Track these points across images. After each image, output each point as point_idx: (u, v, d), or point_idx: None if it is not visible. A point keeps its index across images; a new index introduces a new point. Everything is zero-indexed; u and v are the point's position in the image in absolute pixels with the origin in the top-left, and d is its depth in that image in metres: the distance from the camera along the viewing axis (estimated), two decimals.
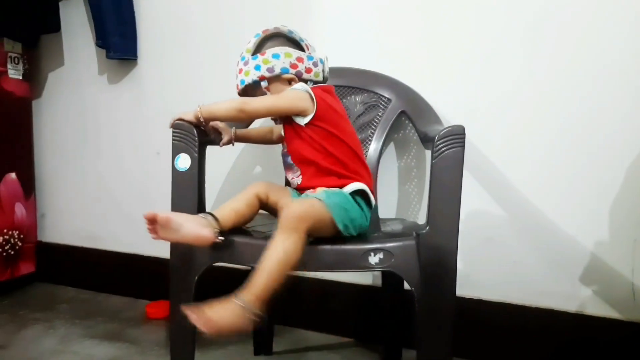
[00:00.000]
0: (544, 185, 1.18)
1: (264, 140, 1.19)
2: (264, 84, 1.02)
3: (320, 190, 0.93)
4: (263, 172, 1.48)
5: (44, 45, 1.77)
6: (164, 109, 1.60)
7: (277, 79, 1.02)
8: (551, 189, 1.18)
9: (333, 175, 0.96)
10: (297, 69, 1.02)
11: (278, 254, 0.78)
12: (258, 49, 1.04)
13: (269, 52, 1.02)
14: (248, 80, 1.02)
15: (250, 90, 1.04)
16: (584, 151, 1.14)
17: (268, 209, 1.01)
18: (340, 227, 0.87)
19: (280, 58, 1.01)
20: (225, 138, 1.09)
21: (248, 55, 1.03)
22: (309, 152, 0.97)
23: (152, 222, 0.83)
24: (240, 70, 1.03)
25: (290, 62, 1.01)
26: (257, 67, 1.01)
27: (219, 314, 0.76)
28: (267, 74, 1.01)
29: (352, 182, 0.96)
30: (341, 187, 0.95)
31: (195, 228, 0.84)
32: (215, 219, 0.89)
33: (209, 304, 0.77)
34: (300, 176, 1.00)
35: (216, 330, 0.75)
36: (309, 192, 0.97)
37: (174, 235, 0.84)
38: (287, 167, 1.04)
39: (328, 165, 0.96)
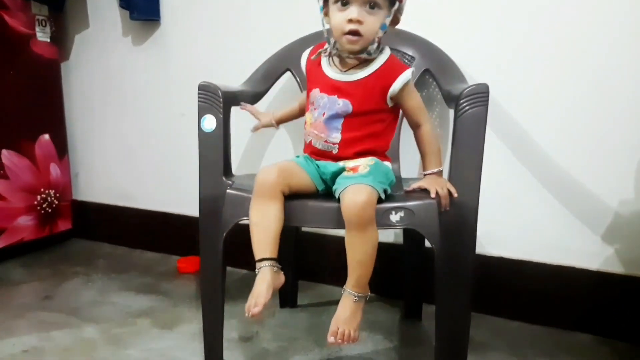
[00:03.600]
0: (568, 143, 1.17)
1: (298, 115, 1.15)
2: (395, 6, 0.89)
3: (363, 167, 0.90)
4: (285, 133, 1.50)
5: (70, 8, 1.78)
6: (188, 70, 1.62)
7: (396, 13, 0.91)
8: (575, 147, 1.16)
9: (372, 145, 0.96)
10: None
11: (369, 249, 0.85)
12: None
13: None
14: None
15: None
16: (610, 109, 1.12)
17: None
18: (382, 196, 0.88)
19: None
20: (264, 120, 1.11)
21: None
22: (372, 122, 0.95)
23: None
24: None
25: None
26: None
27: (352, 321, 0.86)
28: (403, 1, 0.91)
29: (383, 150, 0.98)
30: (377, 155, 0.96)
31: (275, 284, 0.89)
32: (276, 259, 0.90)
33: (337, 318, 0.86)
34: (339, 136, 0.94)
35: (358, 335, 0.87)
36: (348, 163, 0.94)
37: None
38: (327, 126, 0.95)
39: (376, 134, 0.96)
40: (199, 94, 1.01)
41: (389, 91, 0.92)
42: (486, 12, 1.20)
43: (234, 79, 1.21)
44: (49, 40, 1.74)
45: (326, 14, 0.94)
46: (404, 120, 1.20)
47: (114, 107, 1.81)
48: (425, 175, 0.93)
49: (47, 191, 1.78)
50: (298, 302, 1.36)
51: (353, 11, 0.87)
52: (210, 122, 1.00)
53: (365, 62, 0.94)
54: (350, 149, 0.94)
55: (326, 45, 0.98)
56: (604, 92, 1.12)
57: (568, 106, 1.15)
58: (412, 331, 1.22)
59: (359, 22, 0.87)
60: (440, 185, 0.88)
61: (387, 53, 0.96)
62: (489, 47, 1.21)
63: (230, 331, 1.18)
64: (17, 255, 1.70)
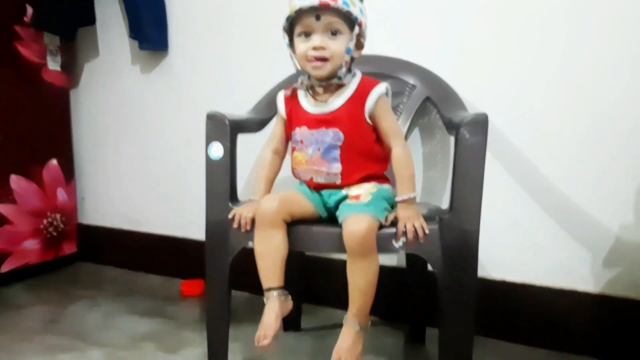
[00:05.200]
0: (568, 168, 1.19)
1: (279, 170, 1.09)
2: (356, 30, 0.91)
3: (365, 195, 0.92)
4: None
5: (80, 38, 1.84)
6: (194, 98, 1.66)
7: (358, 38, 0.93)
8: (576, 172, 1.18)
9: (374, 168, 0.97)
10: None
11: (370, 278, 0.87)
12: None
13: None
14: (354, 11, 0.89)
15: (333, 16, 0.89)
16: (609, 134, 1.14)
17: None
18: (383, 221, 0.90)
19: (368, 23, 0.96)
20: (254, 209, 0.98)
21: None
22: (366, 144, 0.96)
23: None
24: None
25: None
26: (362, 11, 0.92)
27: (354, 350, 0.88)
28: (363, 26, 0.93)
29: (384, 172, 0.99)
30: (379, 179, 0.98)
31: (284, 312, 0.92)
32: (283, 288, 0.93)
33: (338, 347, 0.88)
34: (340, 167, 0.94)
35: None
36: (351, 191, 0.95)
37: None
38: (325, 159, 0.95)
39: (374, 155, 0.97)
40: (206, 123, 1.05)
41: (365, 108, 0.94)
42: (487, 42, 1.24)
43: (239, 107, 1.25)
44: (59, 69, 1.79)
45: (294, 51, 0.95)
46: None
47: (120, 133, 1.84)
48: (398, 202, 0.93)
49: (53, 215, 1.81)
50: (302, 325, 1.36)
51: (316, 39, 0.90)
52: (217, 150, 1.03)
53: (339, 90, 0.96)
54: (354, 176, 0.95)
55: (300, 79, 1.00)
56: (605, 120, 1.14)
57: (569, 133, 1.18)
58: (416, 355, 1.23)
59: (322, 48, 0.90)
60: (411, 220, 0.88)
61: (358, 77, 0.98)
62: (491, 75, 1.24)
63: (235, 354, 1.18)
64: (22, 278, 1.71)
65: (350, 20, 0.91)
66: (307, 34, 0.92)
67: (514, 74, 1.22)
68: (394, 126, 0.96)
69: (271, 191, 1.05)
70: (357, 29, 0.91)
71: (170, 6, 1.65)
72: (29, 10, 1.66)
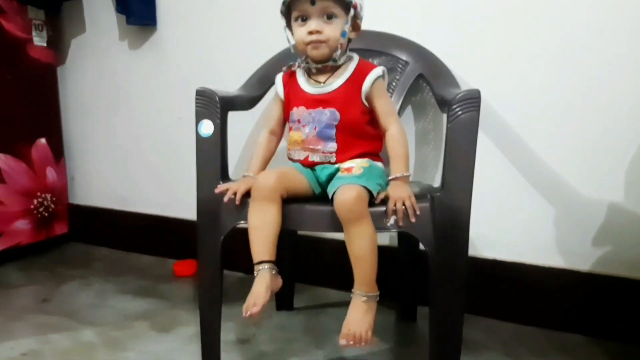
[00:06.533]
0: (560, 147, 1.19)
1: (275, 150, 1.10)
2: (351, 13, 0.92)
3: (357, 168, 0.93)
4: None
5: (66, 12, 1.79)
6: (184, 74, 1.63)
7: (354, 20, 0.95)
8: (567, 151, 1.18)
9: (368, 147, 0.98)
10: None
11: (366, 243, 0.86)
12: None
13: None
14: None
15: (327, 1, 0.91)
16: (600, 113, 1.14)
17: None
18: (375, 194, 0.90)
19: (364, 5, 0.98)
20: (247, 185, 0.96)
21: None
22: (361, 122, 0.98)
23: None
24: None
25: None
26: None
27: (363, 322, 0.87)
28: (358, 7, 0.94)
29: (378, 151, 0.99)
30: (372, 156, 0.98)
31: (273, 287, 0.90)
32: (274, 262, 0.91)
33: (347, 320, 0.87)
34: (335, 145, 0.96)
35: (371, 335, 0.87)
36: (343, 165, 0.96)
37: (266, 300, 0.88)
38: (321, 137, 0.97)
39: (369, 135, 0.98)
40: (196, 99, 1.03)
41: (362, 90, 0.96)
42: (479, 17, 1.22)
43: (230, 84, 1.23)
44: (45, 45, 1.75)
45: (292, 34, 0.97)
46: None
47: (110, 111, 1.81)
48: (390, 180, 0.94)
49: (43, 195, 1.79)
50: (295, 304, 1.37)
51: (312, 23, 0.93)
52: (207, 127, 1.02)
53: (337, 72, 0.98)
54: (348, 154, 0.97)
55: (298, 61, 1.02)
56: (596, 97, 1.14)
57: (560, 110, 1.17)
58: (407, 332, 1.24)
59: (318, 32, 0.92)
60: (401, 198, 0.88)
61: (355, 59, 1.01)
62: (483, 52, 1.23)
63: (228, 333, 1.19)
64: (14, 258, 1.70)
65: (346, 3, 0.92)
66: (304, 18, 0.94)
67: (507, 51, 1.21)
68: (389, 107, 0.99)
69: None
70: (352, 11, 0.93)
71: None
72: None
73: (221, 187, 0.98)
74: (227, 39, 1.54)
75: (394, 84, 1.22)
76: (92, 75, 1.82)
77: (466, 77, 1.19)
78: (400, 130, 0.97)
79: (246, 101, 1.20)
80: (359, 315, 0.87)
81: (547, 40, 1.17)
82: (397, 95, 1.22)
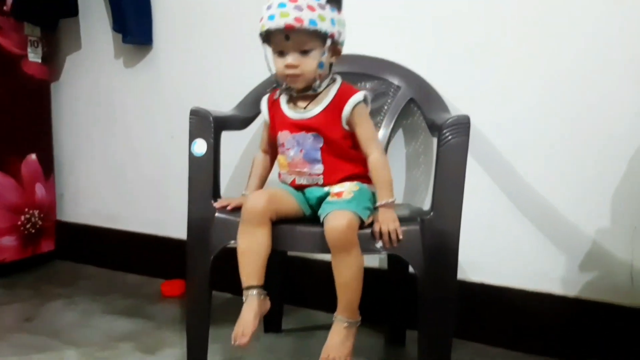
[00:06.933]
0: (547, 173, 1.21)
1: (271, 168, 1.12)
2: (328, 43, 0.93)
3: (348, 193, 0.93)
4: None
5: (63, 29, 1.81)
6: (178, 93, 1.65)
7: (332, 47, 0.95)
8: (554, 177, 1.20)
9: (355, 169, 0.99)
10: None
11: (352, 272, 0.88)
12: (331, 1, 0.93)
13: (342, 17, 0.96)
14: (323, 26, 0.90)
15: (301, 36, 0.91)
16: (587, 141, 1.16)
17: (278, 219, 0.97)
18: (365, 219, 0.91)
19: (345, 29, 0.97)
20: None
21: None
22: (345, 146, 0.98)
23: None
24: (312, 8, 0.89)
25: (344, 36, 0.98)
26: (333, 22, 0.93)
27: (343, 348, 0.88)
28: (336, 36, 0.94)
29: (366, 173, 1.00)
30: (361, 178, 0.99)
31: (262, 311, 0.91)
32: (262, 287, 0.92)
33: (327, 345, 0.88)
34: (322, 167, 0.97)
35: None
36: (333, 188, 0.97)
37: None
38: (307, 160, 0.98)
39: (354, 158, 0.99)
40: (190, 118, 1.04)
41: (342, 116, 0.96)
42: (470, 46, 1.25)
43: (224, 104, 1.24)
44: (40, 61, 1.76)
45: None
46: (390, 145, 1.25)
47: (102, 127, 1.81)
48: (377, 207, 0.94)
49: (31, 211, 1.77)
50: (283, 326, 1.35)
51: (288, 58, 0.93)
52: (200, 147, 1.02)
53: (318, 98, 0.99)
54: (335, 176, 0.97)
55: (280, 89, 1.03)
56: (585, 124, 1.16)
57: (549, 136, 1.19)
58: (396, 356, 1.23)
59: (294, 66, 0.93)
60: (386, 223, 0.89)
61: (338, 83, 1.01)
62: (472, 78, 1.25)
63: (214, 355, 1.17)
64: None
65: (321, 35, 0.92)
66: (282, 53, 0.95)
67: (496, 78, 1.23)
68: (369, 133, 0.98)
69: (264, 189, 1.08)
70: (328, 41, 0.93)
71: (155, 1, 1.62)
72: None
73: (222, 201, 1.00)
74: (221, 59, 1.56)
75: (385, 107, 1.24)
76: (85, 92, 1.82)
77: (456, 103, 1.22)
78: (380, 156, 0.97)
79: (239, 121, 1.21)
80: (339, 341, 0.88)
81: (537, 67, 1.19)
82: (389, 119, 1.24)
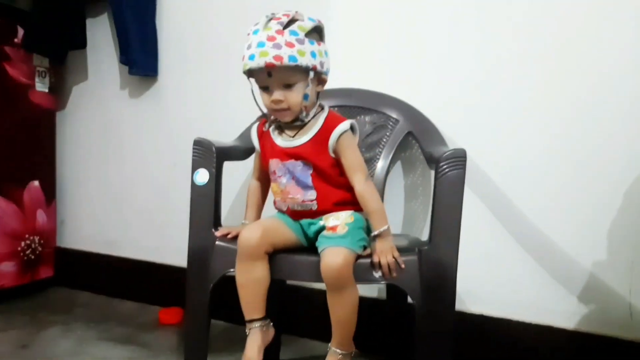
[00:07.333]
0: (545, 206, 1.22)
1: (266, 194, 1.14)
2: (310, 75, 0.94)
3: (342, 227, 0.94)
4: None
5: (70, 60, 1.85)
6: (182, 123, 1.68)
7: (317, 77, 0.97)
8: (552, 210, 1.22)
9: (347, 195, 1.00)
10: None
11: (348, 309, 0.90)
12: (310, 34, 0.94)
13: (323, 46, 0.97)
14: (303, 61, 0.91)
15: (283, 72, 0.92)
16: (585, 175, 1.18)
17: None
18: (361, 252, 0.93)
19: (328, 57, 0.99)
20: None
21: (302, 34, 0.92)
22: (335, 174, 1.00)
23: None
24: (290, 44, 0.90)
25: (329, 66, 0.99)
26: (314, 54, 0.93)
27: None
28: (318, 67, 0.95)
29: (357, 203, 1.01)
30: (355, 205, 1.00)
31: (265, 342, 0.95)
32: (263, 318, 0.95)
33: None
34: (314, 193, 0.99)
35: None
36: (328, 222, 0.98)
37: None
38: (299, 187, 1.00)
39: (344, 185, 1.00)
40: (193, 149, 1.06)
41: (329, 145, 0.98)
42: (467, 81, 1.29)
43: (227, 134, 1.27)
44: (47, 91, 1.80)
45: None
46: (388, 177, 1.27)
47: (105, 156, 1.84)
48: (372, 237, 0.95)
49: (31, 237, 1.77)
50: (280, 357, 1.34)
51: (274, 94, 0.95)
52: (203, 176, 1.04)
53: (306, 127, 1.01)
54: (329, 201, 0.99)
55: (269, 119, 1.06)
56: (582, 156, 1.18)
57: (546, 170, 1.21)
58: None
59: (280, 101, 0.95)
60: (384, 254, 0.91)
61: (325, 113, 1.02)
62: (470, 112, 1.28)
63: None
64: None
65: (303, 69, 0.93)
66: (266, 87, 0.97)
67: (494, 113, 1.26)
68: (354, 162, 0.98)
69: (261, 216, 1.11)
70: (311, 74, 0.95)
71: (162, 32, 1.68)
72: (20, 31, 1.68)
73: (222, 229, 1.02)
74: (225, 90, 1.59)
75: (384, 139, 1.27)
76: (91, 121, 1.86)
77: (453, 136, 1.25)
78: (366, 186, 0.97)
79: (241, 152, 1.23)
80: None
81: (535, 102, 1.22)
82: (387, 151, 1.27)
